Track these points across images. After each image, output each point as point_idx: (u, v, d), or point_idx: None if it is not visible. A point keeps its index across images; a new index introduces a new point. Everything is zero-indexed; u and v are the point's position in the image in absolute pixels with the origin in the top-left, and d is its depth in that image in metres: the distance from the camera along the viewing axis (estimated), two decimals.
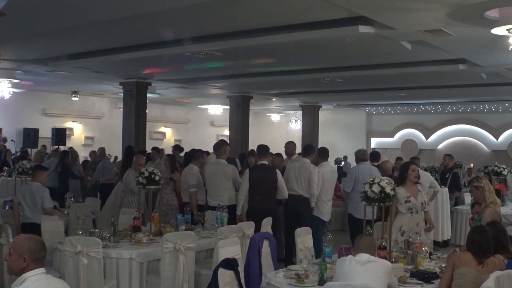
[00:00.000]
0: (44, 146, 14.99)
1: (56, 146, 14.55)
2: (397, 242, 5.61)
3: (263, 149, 7.72)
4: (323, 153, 8.23)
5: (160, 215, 7.57)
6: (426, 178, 8.90)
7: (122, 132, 13.56)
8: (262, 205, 7.22)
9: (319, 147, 8.56)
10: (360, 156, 8.43)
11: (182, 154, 11.81)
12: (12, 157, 13.79)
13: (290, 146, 9.35)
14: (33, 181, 7.04)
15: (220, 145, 8.02)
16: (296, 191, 7.66)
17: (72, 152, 11.40)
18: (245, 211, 7.40)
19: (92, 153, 13.31)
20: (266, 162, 7.60)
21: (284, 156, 9.84)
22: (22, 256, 3.15)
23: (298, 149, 9.75)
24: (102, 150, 12.39)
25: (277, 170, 7.55)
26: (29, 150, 14.18)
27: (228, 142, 11.06)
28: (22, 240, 3.24)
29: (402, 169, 6.25)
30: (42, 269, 3.21)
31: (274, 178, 7.37)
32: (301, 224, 6.55)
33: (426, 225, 6.16)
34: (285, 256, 7.70)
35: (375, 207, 5.56)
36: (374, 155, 9.38)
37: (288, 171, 7.83)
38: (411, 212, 5.99)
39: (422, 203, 6.04)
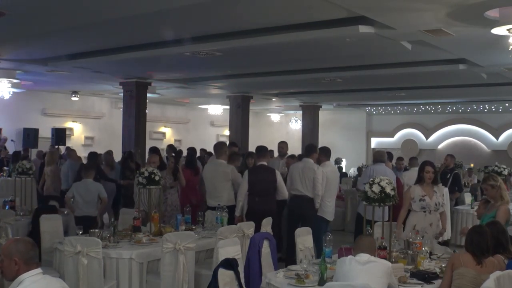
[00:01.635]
0: (52, 146, 14.90)
1: (67, 146, 14.48)
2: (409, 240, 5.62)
3: (262, 150, 7.73)
4: (326, 153, 8.23)
5: (166, 216, 7.60)
6: None
7: (122, 132, 13.56)
8: (262, 206, 7.22)
9: (320, 146, 8.57)
10: (378, 157, 8.47)
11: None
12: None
13: (284, 146, 9.43)
14: (86, 178, 7.67)
15: (219, 145, 8.04)
16: (301, 192, 7.65)
17: (110, 153, 11.14)
18: (245, 212, 7.40)
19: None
20: (265, 163, 7.60)
21: (276, 155, 9.91)
22: (13, 259, 3.13)
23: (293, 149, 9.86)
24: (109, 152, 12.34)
25: (276, 171, 7.56)
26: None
27: (234, 143, 11.06)
28: (10, 243, 3.23)
29: (418, 170, 6.46)
30: (39, 270, 3.18)
31: (273, 178, 7.38)
32: (305, 224, 6.56)
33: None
34: (287, 256, 7.68)
35: (386, 208, 5.59)
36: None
37: (292, 171, 7.82)
38: (424, 211, 6.13)
39: (436, 204, 6.18)
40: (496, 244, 4.56)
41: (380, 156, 8.49)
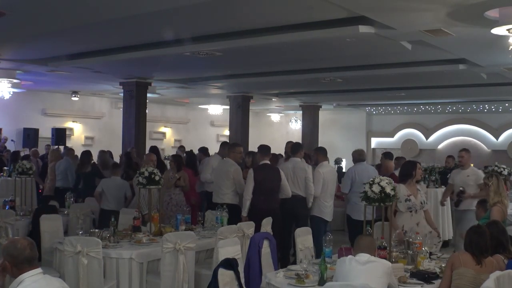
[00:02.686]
0: (48, 146, 14.93)
1: (63, 145, 14.48)
2: (399, 242, 5.59)
3: (265, 149, 7.73)
4: (324, 153, 8.21)
5: (171, 216, 7.59)
6: None
7: (122, 132, 13.56)
8: (266, 205, 7.22)
9: (318, 146, 8.55)
10: (357, 156, 8.30)
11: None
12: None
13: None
14: (114, 176, 8.34)
15: (231, 145, 8.12)
16: (293, 192, 7.64)
17: (104, 153, 11.07)
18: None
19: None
20: (268, 162, 7.62)
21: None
22: (4, 261, 3.15)
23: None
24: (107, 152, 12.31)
25: (280, 170, 7.58)
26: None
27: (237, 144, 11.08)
28: (6, 244, 3.24)
29: (408, 167, 6.26)
30: (39, 270, 3.19)
31: (278, 177, 7.39)
32: (299, 224, 6.55)
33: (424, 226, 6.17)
34: (282, 256, 7.66)
35: (374, 208, 5.57)
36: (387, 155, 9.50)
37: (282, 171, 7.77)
38: (410, 211, 6.01)
39: (421, 202, 6.06)
40: (496, 244, 4.57)
41: (359, 155, 8.31)
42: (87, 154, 10.34)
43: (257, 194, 7.28)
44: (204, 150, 11.14)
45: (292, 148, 8.17)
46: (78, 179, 9.80)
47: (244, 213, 7.27)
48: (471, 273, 4.21)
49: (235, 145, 8.33)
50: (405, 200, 5.98)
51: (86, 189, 9.15)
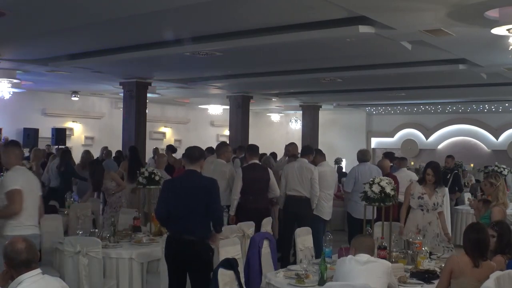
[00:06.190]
0: (48, 146, 14.92)
1: (63, 146, 14.47)
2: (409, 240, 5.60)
3: (254, 148, 7.75)
4: (321, 153, 8.29)
5: None
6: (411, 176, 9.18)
7: (122, 132, 13.56)
8: (256, 204, 7.21)
9: (315, 148, 8.58)
10: (361, 156, 8.42)
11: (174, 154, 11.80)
12: None
13: (291, 148, 9.39)
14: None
15: (220, 145, 8.07)
16: (299, 192, 7.62)
17: (87, 153, 11.08)
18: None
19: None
20: (257, 161, 7.64)
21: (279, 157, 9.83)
22: (4, 261, 3.15)
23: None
24: (107, 149, 12.30)
25: (269, 169, 7.60)
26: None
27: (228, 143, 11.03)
28: (6, 244, 3.23)
29: (423, 172, 6.52)
30: (38, 270, 3.19)
31: (266, 177, 7.40)
32: (302, 224, 6.55)
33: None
34: (282, 257, 7.64)
35: (374, 207, 5.60)
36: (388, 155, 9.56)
37: (288, 171, 7.78)
38: (422, 210, 6.13)
39: (434, 203, 6.19)
40: (504, 243, 4.55)
41: (362, 155, 8.42)
42: (65, 153, 10.28)
43: (246, 193, 7.27)
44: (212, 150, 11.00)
45: (303, 150, 8.18)
46: (61, 178, 9.82)
47: (232, 212, 7.29)
48: (470, 280, 4.12)
49: (225, 144, 8.37)
50: (418, 197, 6.15)
51: (65, 188, 9.15)
